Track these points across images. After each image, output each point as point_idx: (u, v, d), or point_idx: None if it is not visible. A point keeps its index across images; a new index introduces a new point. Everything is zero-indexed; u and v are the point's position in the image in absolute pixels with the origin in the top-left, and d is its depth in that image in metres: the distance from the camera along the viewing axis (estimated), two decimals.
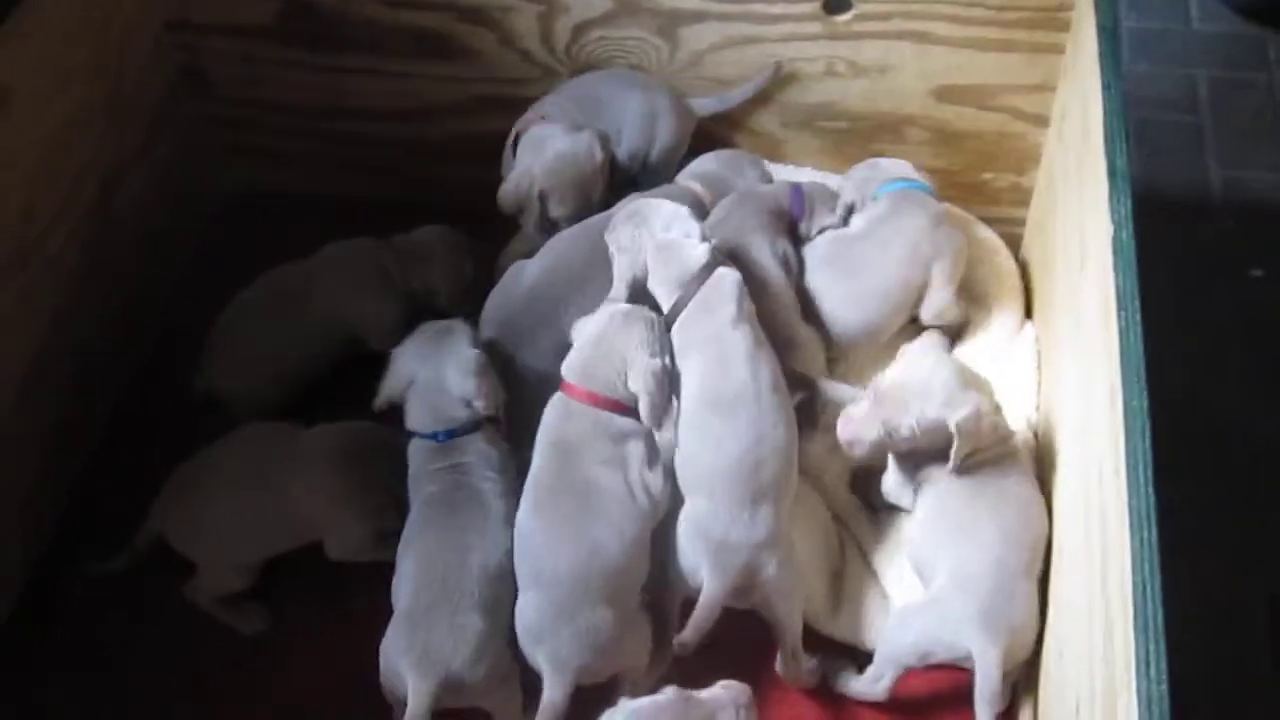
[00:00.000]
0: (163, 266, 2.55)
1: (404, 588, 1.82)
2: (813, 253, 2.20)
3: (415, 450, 1.95)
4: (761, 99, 2.42)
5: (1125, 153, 1.79)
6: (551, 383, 1.94)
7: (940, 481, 1.89)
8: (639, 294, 2.02)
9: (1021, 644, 1.79)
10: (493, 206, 2.27)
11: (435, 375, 1.94)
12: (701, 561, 1.79)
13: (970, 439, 1.83)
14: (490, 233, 2.38)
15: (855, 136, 2.44)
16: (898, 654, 1.84)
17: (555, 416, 1.90)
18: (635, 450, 1.87)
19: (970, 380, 1.88)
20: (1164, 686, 1.30)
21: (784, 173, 2.42)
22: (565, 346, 1.97)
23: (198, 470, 2.05)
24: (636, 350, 1.88)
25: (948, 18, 2.23)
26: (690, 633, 1.76)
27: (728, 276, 1.95)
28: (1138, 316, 1.60)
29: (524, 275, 2.16)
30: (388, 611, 1.84)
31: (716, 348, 1.90)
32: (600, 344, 1.90)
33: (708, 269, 1.95)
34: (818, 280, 2.17)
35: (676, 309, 1.95)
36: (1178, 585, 1.43)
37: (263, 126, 2.66)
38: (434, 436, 1.93)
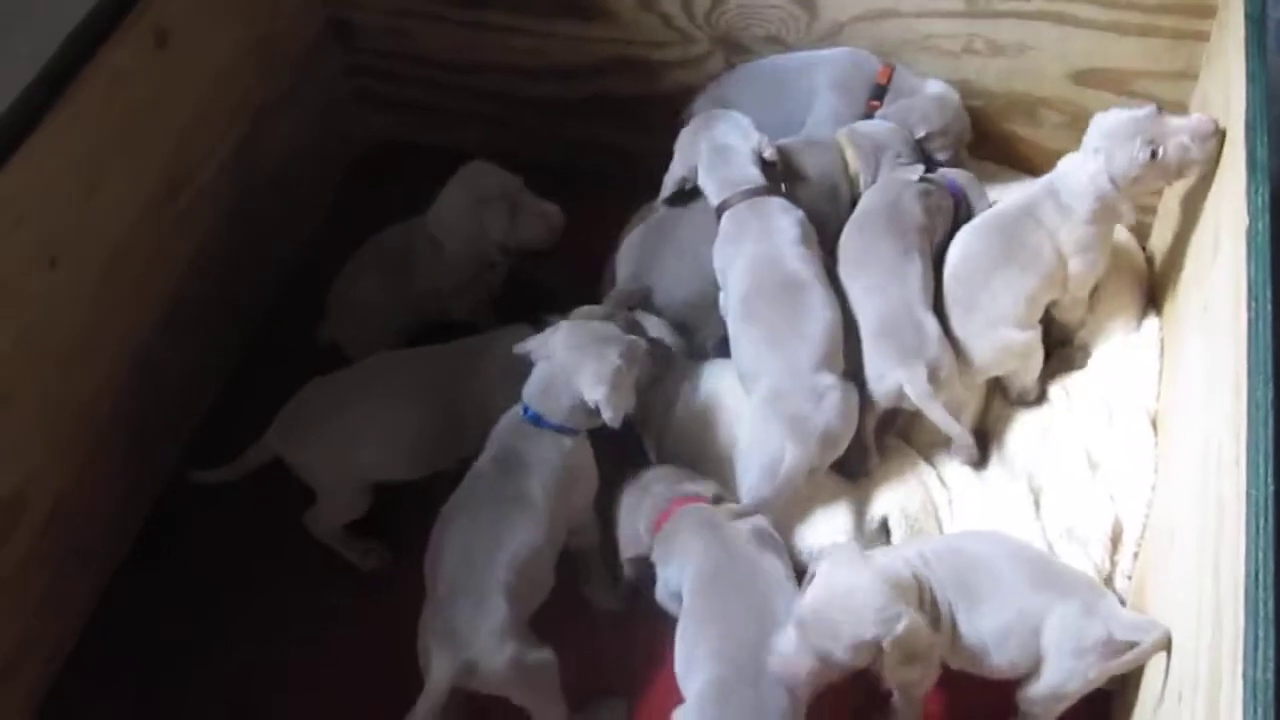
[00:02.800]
0: (301, 207, 2.64)
1: (438, 569, 1.86)
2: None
3: (508, 413, 1.97)
4: None
5: (1265, 144, 1.77)
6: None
7: None
8: (688, 194, 2.21)
9: None
10: (624, 170, 2.29)
11: (572, 366, 1.91)
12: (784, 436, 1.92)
13: (904, 650, 1.67)
14: (615, 196, 2.38)
15: (989, 115, 2.43)
16: None
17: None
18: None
19: (895, 585, 1.70)
20: (1270, 675, 1.30)
21: None
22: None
23: (329, 394, 2.09)
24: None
25: (1091, 0, 2.22)
26: (774, 494, 1.91)
27: (778, 202, 2.10)
28: (1268, 308, 1.59)
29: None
30: None
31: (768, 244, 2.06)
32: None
33: (757, 192, 2.10)
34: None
35: (723, 207, 2.12)
36: None
37: (402, 78, 2.73)
38: (526, 411, 1.93)
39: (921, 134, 2.28)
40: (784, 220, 2.10)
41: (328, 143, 2.71)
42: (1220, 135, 1.96)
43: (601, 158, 2.54)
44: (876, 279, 2.09)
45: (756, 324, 2.04)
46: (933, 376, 2.00)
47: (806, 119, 2.36)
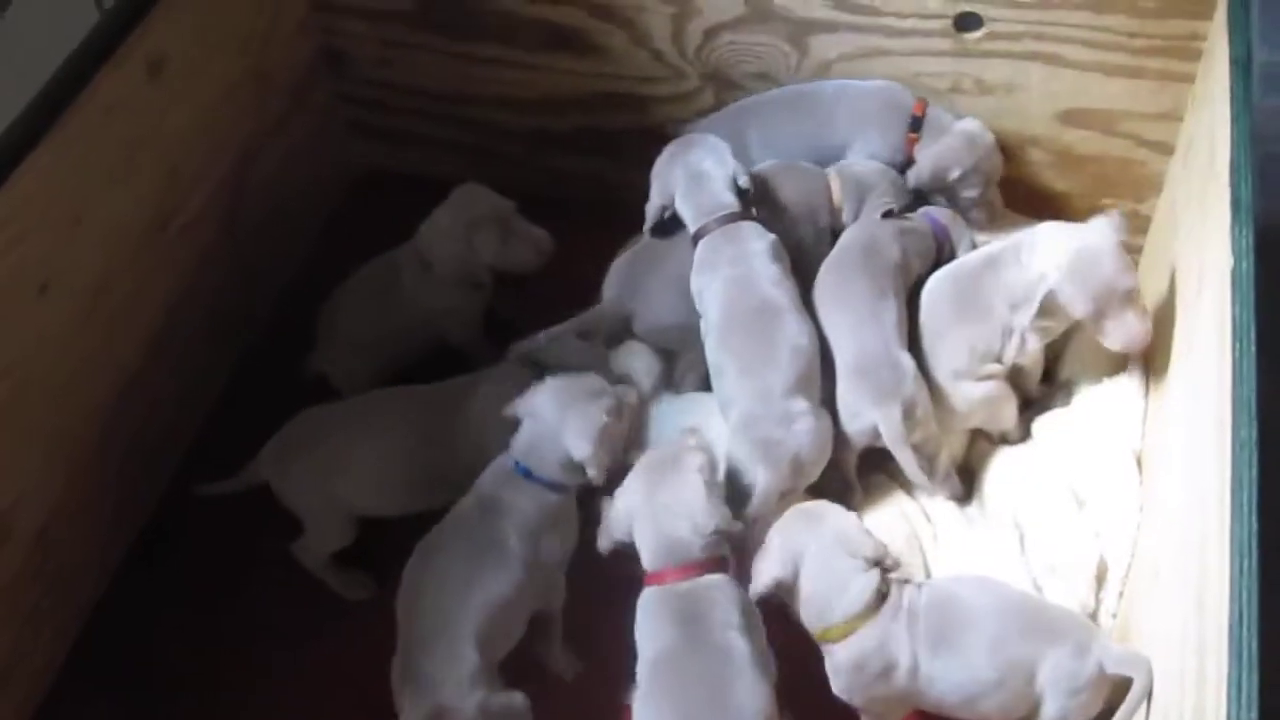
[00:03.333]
0: (291, 238, 2.64)
1: (412, 609, 1.86)
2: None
3: (499, 459, 1.97)
4: None
5: (1250, 185, 1.79)
6: None
7: None
8: (670, 222, 2.21)
9: None
10: (611, 202, 2.30)
11: (558, 424, 1.91)
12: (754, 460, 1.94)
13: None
14: (607, 230, 2.38)
15: None
16: None
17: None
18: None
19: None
20: (1254, 714, 1.30)
21: None
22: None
23: (320, 425, 2.10)
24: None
25: (1079, 41, 2.23)
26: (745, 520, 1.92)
27: (751, 227, 2.11)
28: (1252, 348, 1.60)
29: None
30: None
31: (743, 268, 2.07)
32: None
33: (731, 218, 2.11)
34: None
35: (699, 234, 2.12)
36: (1274, 618, 1.43)
37: (394, 109, 2.74)
38: (516, 465, 1.94)
39: (956, 175, 2.28)
40: (758, 245, 2.10)
41: (319, 172, 2.72)
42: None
43: (590, 190, 2.55)
44: (852, 318, 2.10)
45: (730, 351, 2.05)
46: (907, 415, 2.01)
47: (837, 144, 2.36)
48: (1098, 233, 2.02)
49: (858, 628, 1.78)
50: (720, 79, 2.47)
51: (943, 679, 1.79)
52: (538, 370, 2.06)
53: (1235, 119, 1.88)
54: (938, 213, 2.28)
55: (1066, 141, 2.37)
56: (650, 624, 1.80)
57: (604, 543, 1.89)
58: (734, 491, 1.97)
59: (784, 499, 1.97)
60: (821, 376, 2.06)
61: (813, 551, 1.80)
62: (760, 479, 1.94)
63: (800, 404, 1.99)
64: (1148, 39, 2.19)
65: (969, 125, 2.32)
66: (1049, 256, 2.02)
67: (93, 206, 2.02)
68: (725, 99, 2.49)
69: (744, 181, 2.15)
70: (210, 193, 2.33)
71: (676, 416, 2.14)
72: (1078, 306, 2.01)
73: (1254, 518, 1.44)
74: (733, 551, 1.94)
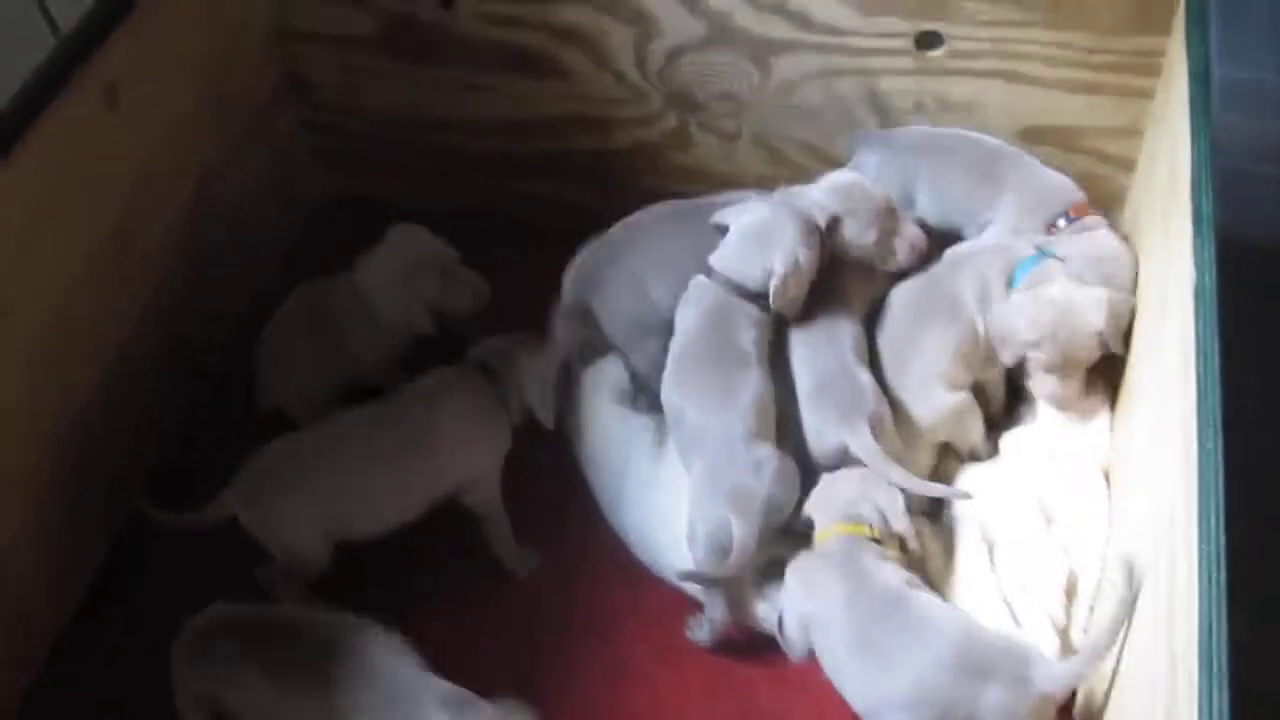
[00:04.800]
0: (254, 263, 2.62)
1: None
2: None
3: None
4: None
5: (1211, 199, 1.79)
6: None
7: None
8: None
9: None
10: (576, 226, 2.29)
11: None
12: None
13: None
14: (572, 254, 2.32)
15: None
16: None
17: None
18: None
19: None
20: None
21: None
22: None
23: (300, 458, 2.07)
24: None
25: (1039, 58, 2.24)
26: (730, 570, 1.94)
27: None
28: (1216, 362, 1.60)
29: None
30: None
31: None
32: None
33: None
34: None
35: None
36: (1243, 631, 1.43)
37: (357, 135, 2.73)
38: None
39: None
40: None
41: (281, 199, 2.70)
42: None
43: (555, 213, 2.54)
44: (808, 342, 2.11)
45: (687, 391, 2.06)
46: (875, 430, 2.01)
47: (986, 218, 2.29)
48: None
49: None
50: (683, 100, 2.47)
51: (856, 677, 1.80)
52: (491, 374, 2.14)
53: (1195, 134, 1.88)
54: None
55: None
56: None
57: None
58: (706, 535, 1.96)
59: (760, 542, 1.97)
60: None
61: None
62: (737, 531, 1.93)
63: (764, 449, 1.99)
64: (1107, 55, 2.21)
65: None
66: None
67: (50, 232, 1.99)
68: (688, 120, 2.50)
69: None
70: (170, 219, 2.31)
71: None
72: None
73: (1221, 530, 1.44)
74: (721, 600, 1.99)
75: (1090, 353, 2.07)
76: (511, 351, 2.18)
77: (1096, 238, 2.18)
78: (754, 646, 2.00)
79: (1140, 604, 1.70)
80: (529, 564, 2.20)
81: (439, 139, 2.68)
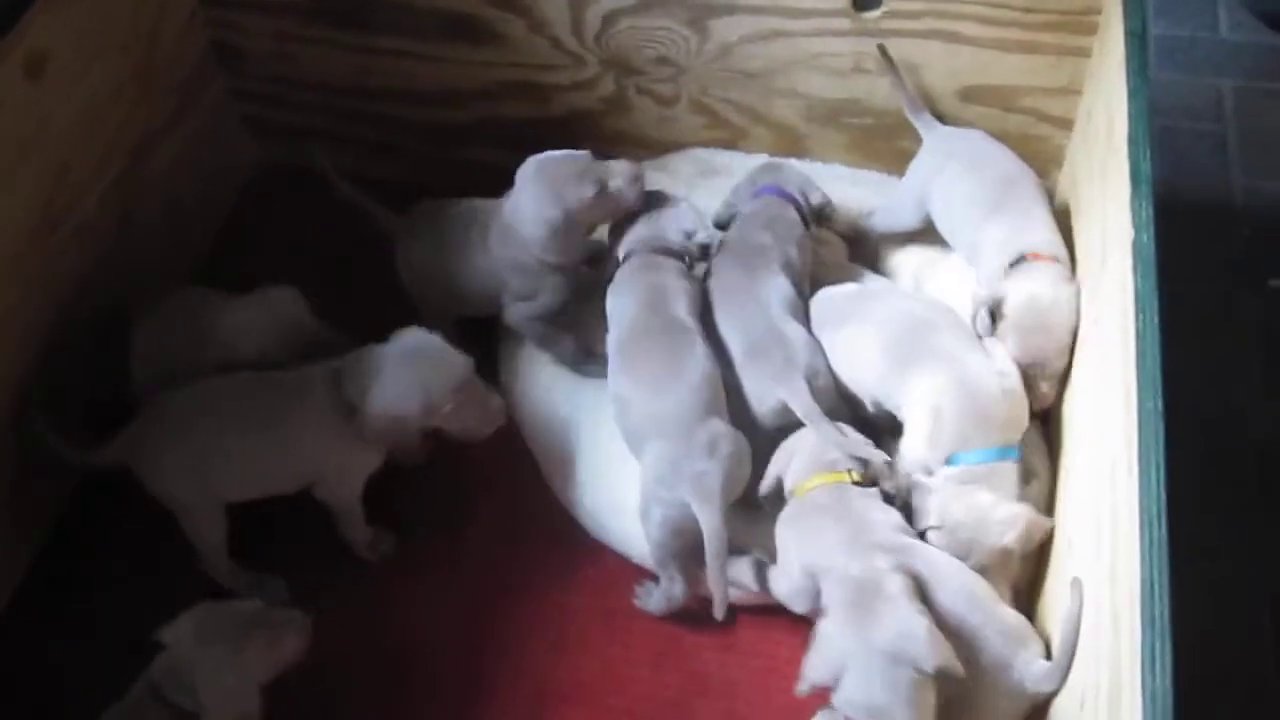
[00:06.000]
0: (188, 237, 2.57)
1: None
2: None
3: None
4: (786, 93, 2.43)
5: (1149, 157, 1.80)
6: None
7: None
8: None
9: None
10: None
11: None
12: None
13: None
14: None
15: (880, 133, 2.45)
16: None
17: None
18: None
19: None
20: (1169, 682, 1.31)
21: (814, 170, 2.42)
22: None
23: (184, 415, 2.03)
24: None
25: (976, 18, 2.24)
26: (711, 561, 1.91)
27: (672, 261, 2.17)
28: (1155, 319, 1.61)
29: None
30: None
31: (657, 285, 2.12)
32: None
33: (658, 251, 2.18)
34: None
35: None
36: (1185, 585, 1.44)
37: (290, 103, 2.68)
38: None
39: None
40: (673, 276, 2.15)
41: (214, 170, 2.65)
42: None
43: (492, 181, 2.50)
44: (734, 307, 2.11)
45: (634, 374, 2.05)
46: (811, 383, 2.00)
47: None
48: None
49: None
50: (620, 65, 2.45)
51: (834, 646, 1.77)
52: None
53: (1133, 92, 1.89)
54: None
55: (968, 118, 2.37)
56: None
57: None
58: (664, 518, 1.96)
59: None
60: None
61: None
62: (703, 520, 1.91)
63: (717, 425, 1.97)
64: (1044, 14, 2.20)
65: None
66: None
67: None
68: (626, 85, 2.47)
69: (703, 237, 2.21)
70: (101, 193, 2.26)
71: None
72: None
73: (1161, 487, 1.46)
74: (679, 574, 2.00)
75: (993, 558, 1.91)
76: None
77: (1040, 281, 2.06)
78: (702, 614, 1.99)
79: (1084, 559, 1.71)
80: (383, 548, 2.16)
81: (375, 107, 2.65)
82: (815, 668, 1.74)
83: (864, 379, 2.06)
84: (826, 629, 1.76)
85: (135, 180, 2.36)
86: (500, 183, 2.24)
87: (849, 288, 2.21)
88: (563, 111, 2.54)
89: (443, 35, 2.48)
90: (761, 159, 2.44)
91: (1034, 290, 2.04)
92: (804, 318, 2.12)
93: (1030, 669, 1.74)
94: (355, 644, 2.05)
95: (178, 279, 2.50)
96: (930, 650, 1.67)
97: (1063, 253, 2.12)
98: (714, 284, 2.17)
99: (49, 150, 2.11)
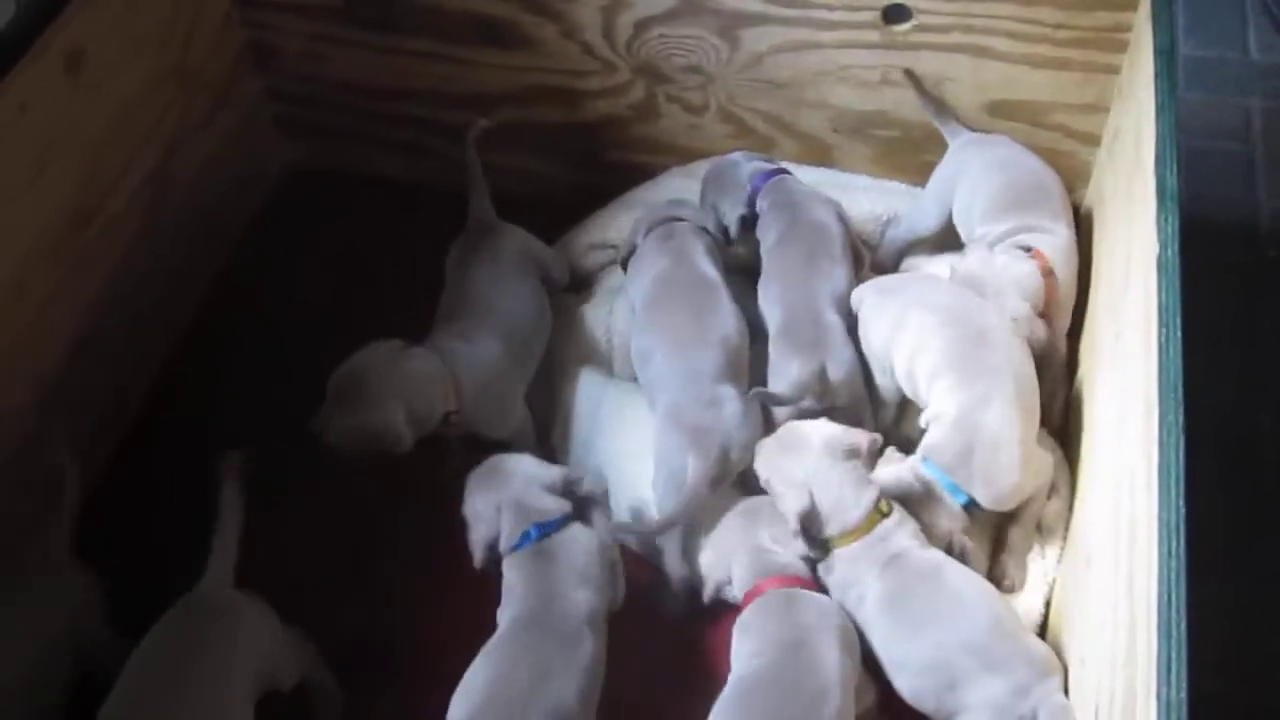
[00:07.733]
0: (218, 235, 2.60)
1: (468, 699, 1.72)
2: None
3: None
4: (814, 103, 2.44)
5: (1175, 174, 1.80)
6: None
7: None
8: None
9: None
10: (542, 197, 2.29)
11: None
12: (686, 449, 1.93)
13: None
14: (535, 223, 2.35)
15: (906, 145, 2.46)
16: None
17: None
18: None
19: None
20: (1184, 694, 1.32)
21: (840, 181, 2.45)
22: None
23: None
24: None
25: (1005, 33, 2.25)
26: (680, 508, 1.92)
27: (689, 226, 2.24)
28: (1178, 334, 1.61)
29: None
30: None
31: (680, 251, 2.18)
32: None
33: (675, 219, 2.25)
34: None
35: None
36: (1202, 598, 1.44)
37: (323, 104, 2.71)
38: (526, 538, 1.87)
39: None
40: (694, 237, 2.22)
41: (246, 169, 2.68)
42: None
43: (520, 185, 2.53)
44: (782, 286, 2.15)
45: (658, 330, 2.08)
46: (835, 369, 2.02)
47: None
48: None
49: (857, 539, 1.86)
50: (651, 72, 2.47)
51: (881, 632, 1.82)
52: None
53: (1160, 110, 1.89)
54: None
55: (996, 133, 2.37)
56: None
57: (710, 591, 1.94)
58: (667, 477, 1.97)
59: (718, 485, 1.97)
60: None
61: (813, 468, 1.87)
62: (691, 468, 1.93)
63: (728, 389, 2.00)
64: (1073, 31, 2.21)
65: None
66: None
67: (8, 205, 1.97)
68: (656, 93, 2.49)
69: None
70: (133, 190, 2.28)
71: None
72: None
73: (1181, 500, 1.46)
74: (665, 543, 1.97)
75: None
76: None
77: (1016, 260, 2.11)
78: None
79: (1102, 573, 1.71)
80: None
81: (406, 109, 2.67)
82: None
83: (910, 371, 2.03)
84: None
85: (168, 178, 2.38)
86: (529, 186, 2.26)
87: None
88: (592, 117, 2.56)
89: (474, 39, 2.50)
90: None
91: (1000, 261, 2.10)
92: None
93: (1048, 702, 1.73)
94: (355, 644, 2.04)
95: (206, 277, 2.53)
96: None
97: (1066, 269, 2.14)
98: (770, 260, 2.20)
99: (84, 146, 2.14)
